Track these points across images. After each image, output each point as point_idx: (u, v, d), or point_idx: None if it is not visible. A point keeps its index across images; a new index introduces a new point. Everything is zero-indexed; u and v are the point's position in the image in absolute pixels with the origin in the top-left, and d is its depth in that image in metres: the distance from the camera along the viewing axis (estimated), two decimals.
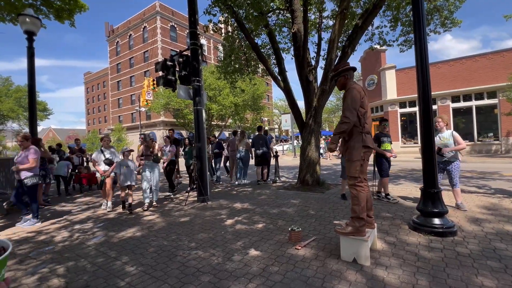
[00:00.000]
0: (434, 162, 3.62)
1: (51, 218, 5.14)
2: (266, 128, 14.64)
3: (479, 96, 16.85)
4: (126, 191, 5.53)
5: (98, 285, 2.53)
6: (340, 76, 3.02)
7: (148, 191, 5.65)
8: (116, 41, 44.10)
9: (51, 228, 4.51)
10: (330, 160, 17.23)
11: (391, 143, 5.50)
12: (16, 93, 34.80)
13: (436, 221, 3.44)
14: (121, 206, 5.67)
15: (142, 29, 39.33)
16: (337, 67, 3.11)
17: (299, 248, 3.14)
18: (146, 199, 5.62)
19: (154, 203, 5.82)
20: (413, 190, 6.23)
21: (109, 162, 5.80)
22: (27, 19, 6.39)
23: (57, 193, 8.01)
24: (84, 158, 10.06)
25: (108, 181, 5.77)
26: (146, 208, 5.50)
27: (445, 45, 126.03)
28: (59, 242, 3.78)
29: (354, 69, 3.02)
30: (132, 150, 5.85)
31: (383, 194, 5.36)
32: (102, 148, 5.92)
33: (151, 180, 5.75)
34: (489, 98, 16.51)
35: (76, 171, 8.59)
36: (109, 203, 5.69)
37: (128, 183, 5.49)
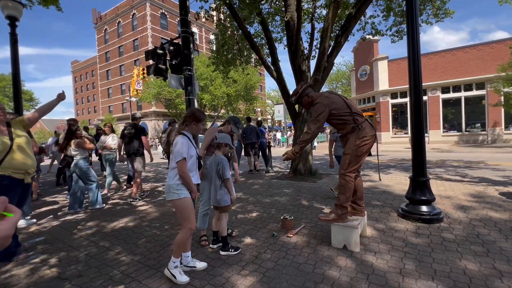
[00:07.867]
0: (423, 151, 3.70)
1: (42, 209, 5.07)
2: (259, 118, 14.60)
3: (468, 87, 17.14)
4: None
5: (91, 275, 2.53)
6: (302, 98, 3.10)
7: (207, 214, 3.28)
8: (104, 29, 42.64)
9: (43, 219, 4.45)
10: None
11: None
12: (0, 82, 33.57)
13: (424, 208, 3.54)
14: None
15: (131, 16, 38.06)
16: (295, 91, 3.18)
17: (291, 235, 3.20)
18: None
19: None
20: (403, 179, 6.38)
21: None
22: (9, 4, 6.09)
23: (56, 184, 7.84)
24: None
25: None
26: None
27: (434, 37, 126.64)
28: (50, 232, 3.75)
29: (309, 85, 3.19)
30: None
31: None
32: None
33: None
34: (478, 89, 16.82)
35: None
36: None
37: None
